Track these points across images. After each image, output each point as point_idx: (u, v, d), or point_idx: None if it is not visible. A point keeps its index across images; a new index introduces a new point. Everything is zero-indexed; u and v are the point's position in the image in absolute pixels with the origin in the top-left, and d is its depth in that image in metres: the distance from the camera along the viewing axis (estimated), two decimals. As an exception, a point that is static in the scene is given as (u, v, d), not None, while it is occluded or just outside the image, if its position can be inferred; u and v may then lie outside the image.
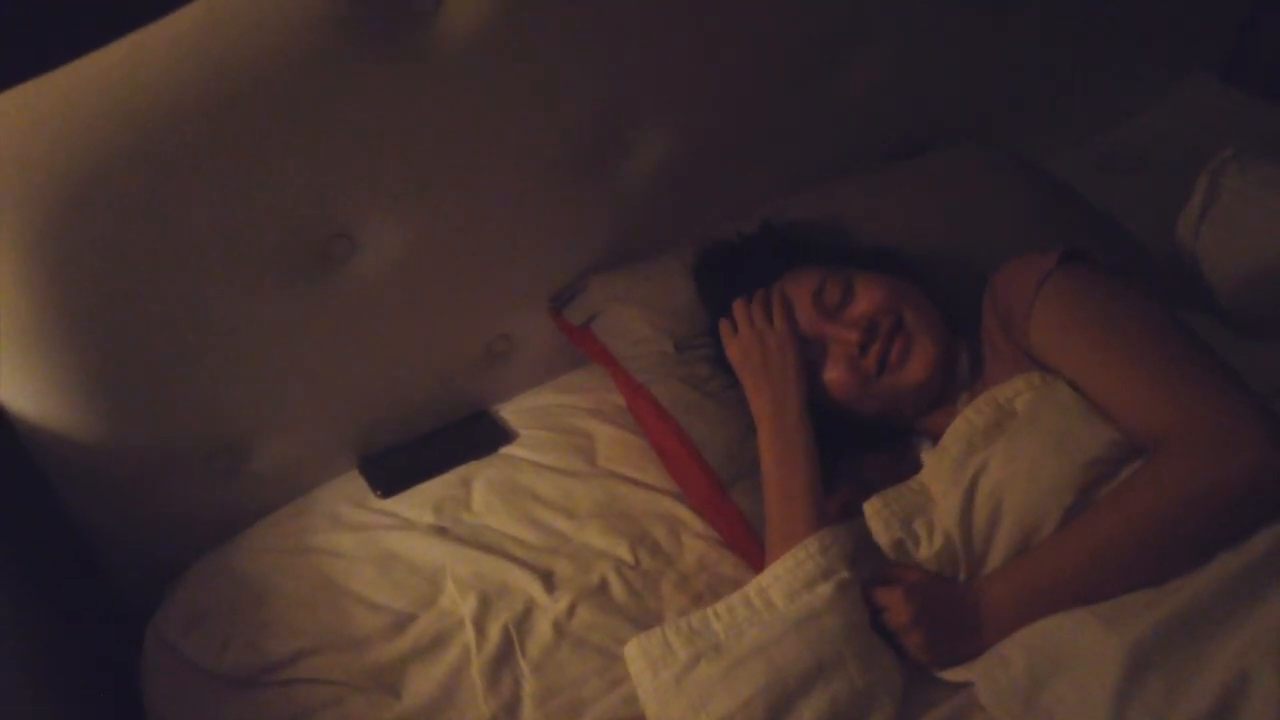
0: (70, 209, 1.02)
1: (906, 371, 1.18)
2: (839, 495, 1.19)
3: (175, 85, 1.02)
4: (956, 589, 1.06)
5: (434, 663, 1.17)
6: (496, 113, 1.22)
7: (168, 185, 1.07)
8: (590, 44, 1.24)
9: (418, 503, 1.35)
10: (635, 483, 1.36)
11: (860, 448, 1.25)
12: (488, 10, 1.13)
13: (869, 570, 1.09)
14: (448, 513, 1.33)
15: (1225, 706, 0.89)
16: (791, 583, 1.07)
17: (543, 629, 1.18)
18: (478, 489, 1.36)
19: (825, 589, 1.06)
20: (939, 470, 1.11)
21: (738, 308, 1.27)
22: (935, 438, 1.17)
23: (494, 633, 1.18)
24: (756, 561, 1.18)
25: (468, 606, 1.20)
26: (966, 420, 1.11)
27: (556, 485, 1.35)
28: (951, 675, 1.07)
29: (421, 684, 1.15)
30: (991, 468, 1.06)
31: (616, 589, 1.23)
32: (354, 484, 1.39)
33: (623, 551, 1.26)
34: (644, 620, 1.19)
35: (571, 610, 1.20)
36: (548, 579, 1.24)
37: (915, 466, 1.18)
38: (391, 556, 1.28)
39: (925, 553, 1.07)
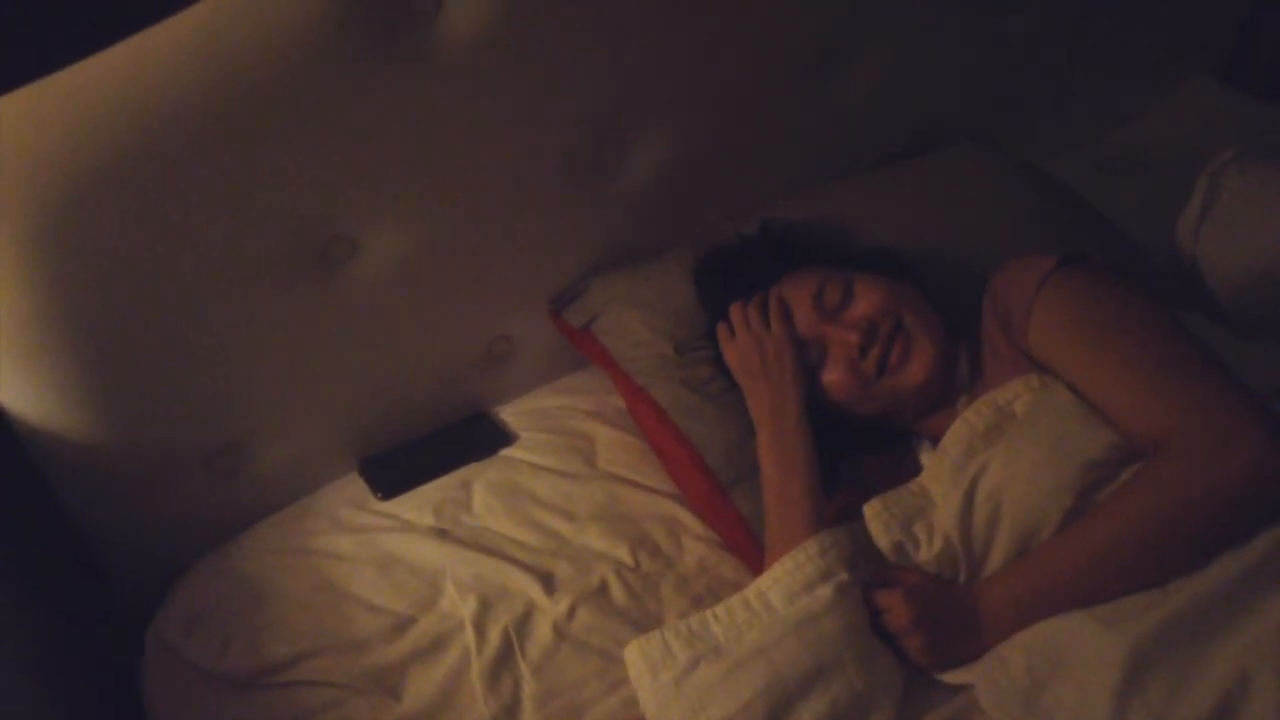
0: (72, 209, 1.03)
1: (906, 374, 1.17)
2: (838, 498, 1.19)
3: (177, 86, 1.02)
4: (956, 591, 1.06)
5: (434, 665, 1.17)
6: (497, 114, 1.22)
7: (169, 186, 1.07)
8: (590, 45, 1.24)
9: (418, 505, 1.35)
10: (635, 485, 1.36)
11: (860, 450, 1.25)
12: (488, 11, 1.13)
13: (869, 573, 1.09)
14: (448, 515, 1.33)
15: (1225, 708, 0.89)
16: (791, 585, 1.07)
17: (543, 631, 1.18)
18: (478, 491, 1.36)
19: (825, 591, 1.06)
20: (938, 473, 1.11)
21: (735, 311, 1.27)
22: (935, 440, 1.17)
23: (494, 635, 1.18)
24: (756, 564, 1.18)
25: (468, 608, 1.20)
26: (966, 423, 1.11)
27: (556, 487, 1.35)
28: (951, 677, 1.07)
29: (422, 686, 1.15)
30: (991, 470, 1.06)
31: (616, 591, 1.23)
32: (354, 486, 1.39)
33: (623, 554, 1.26)
34: (644, 623, 1.19)
35: (571, 612, 1.20)
36: (548, 581, 1.24)
37: (915, 469, 1.18)
38: (392, 558, 1.28)
39: (925, 555, 1.07)
